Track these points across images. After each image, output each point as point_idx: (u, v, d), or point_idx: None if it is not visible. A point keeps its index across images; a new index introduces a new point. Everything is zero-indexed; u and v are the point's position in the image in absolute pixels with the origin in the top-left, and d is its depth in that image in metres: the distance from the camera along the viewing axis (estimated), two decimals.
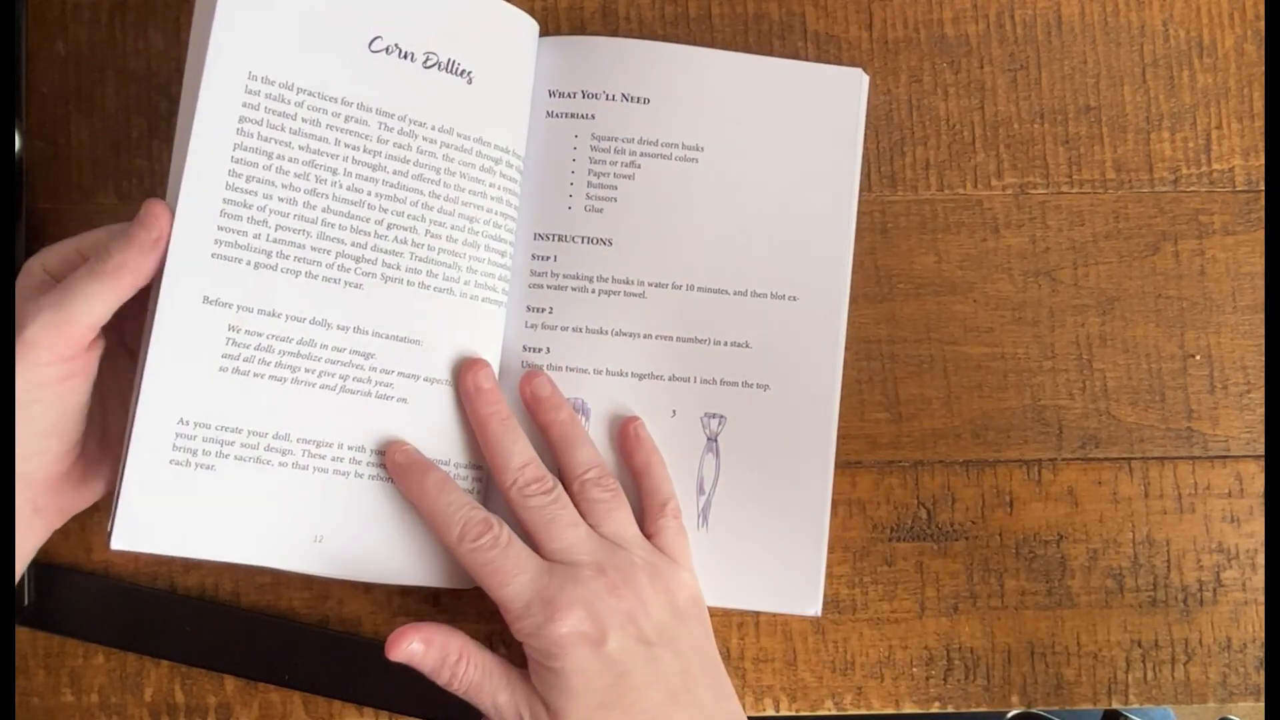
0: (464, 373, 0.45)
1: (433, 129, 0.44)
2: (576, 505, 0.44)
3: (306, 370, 0.42)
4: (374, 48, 0.44)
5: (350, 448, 0.43)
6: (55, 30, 0.49)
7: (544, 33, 0.48)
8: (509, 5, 0.46)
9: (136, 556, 0.47)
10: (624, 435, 0.46)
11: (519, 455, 0.44)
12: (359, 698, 0.47)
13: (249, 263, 0.42)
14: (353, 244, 0.43)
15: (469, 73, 0.45)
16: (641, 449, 0.46)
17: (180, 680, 0.47)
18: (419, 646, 0.41)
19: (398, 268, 0.44)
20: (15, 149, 0.47)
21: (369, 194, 0.43)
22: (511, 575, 0.41)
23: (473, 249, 0.45)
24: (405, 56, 0.44)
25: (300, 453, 0.42)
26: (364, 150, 0.43)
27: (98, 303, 0.40)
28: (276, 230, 0.42)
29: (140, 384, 0.40)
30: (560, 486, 0.44)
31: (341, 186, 0.43)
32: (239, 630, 0.47)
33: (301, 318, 0.42)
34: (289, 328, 0.42)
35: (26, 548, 0.43)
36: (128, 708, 0.47)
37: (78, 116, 0.49)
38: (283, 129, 0.42)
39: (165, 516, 0.41)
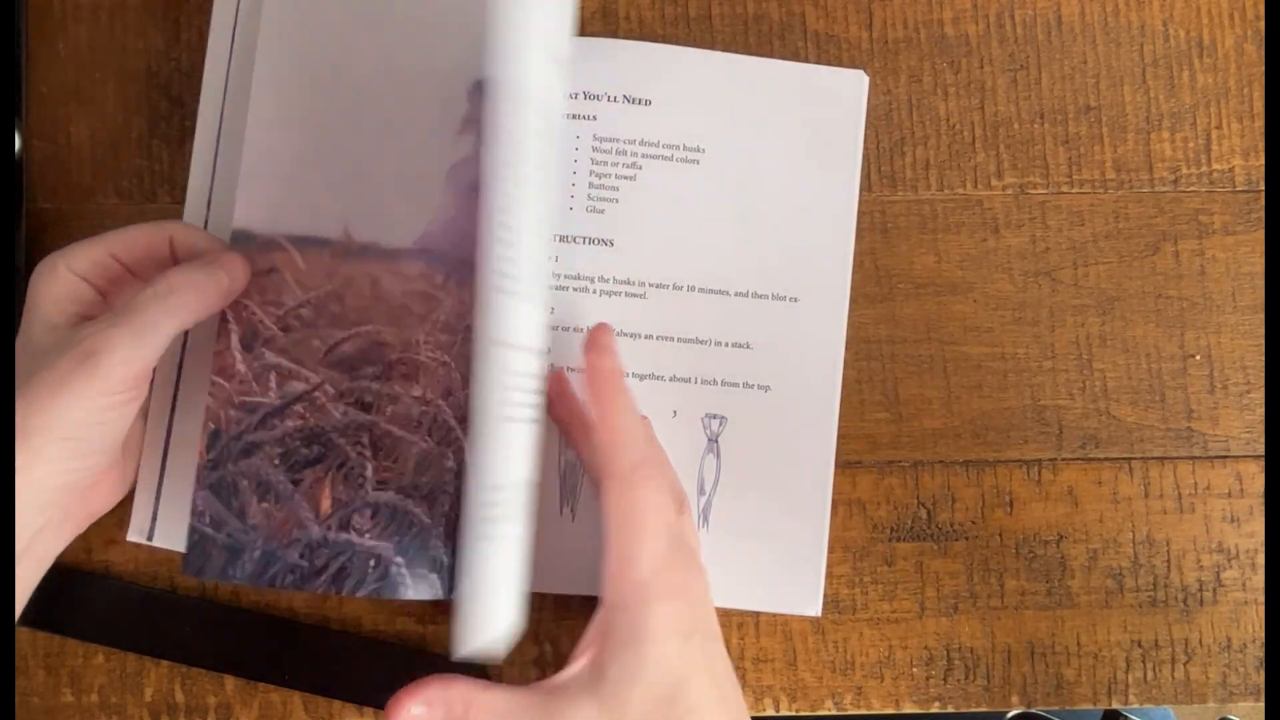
0: (591, 354, 0.42)
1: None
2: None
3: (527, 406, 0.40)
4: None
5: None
6: (55, 30, 0.49)
7: None
8: None
9: (136, 556, 0.47)
10: None
11: (641, 437, 0.41)
12: (359, 698, 0.47)
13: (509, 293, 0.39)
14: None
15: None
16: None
17: (180, 680, 0.47)
18: (420, 710, 0.38)
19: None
20: (15, 149, 0.47)
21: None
22: (653, 534, 0.39)
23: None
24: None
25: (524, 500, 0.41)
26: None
27: (170, 336, 0.40)
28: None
29: (473, 449, 0.37)
30: None
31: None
32: (239, 630, 0.47)
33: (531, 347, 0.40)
34: (528, 360, 0.40)
35: (52, 551, 0.43)
36: (128, 708, 0.47)
37: (78, 116, 0.49)
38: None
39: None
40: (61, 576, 0.46)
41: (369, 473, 0.42)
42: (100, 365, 0.38)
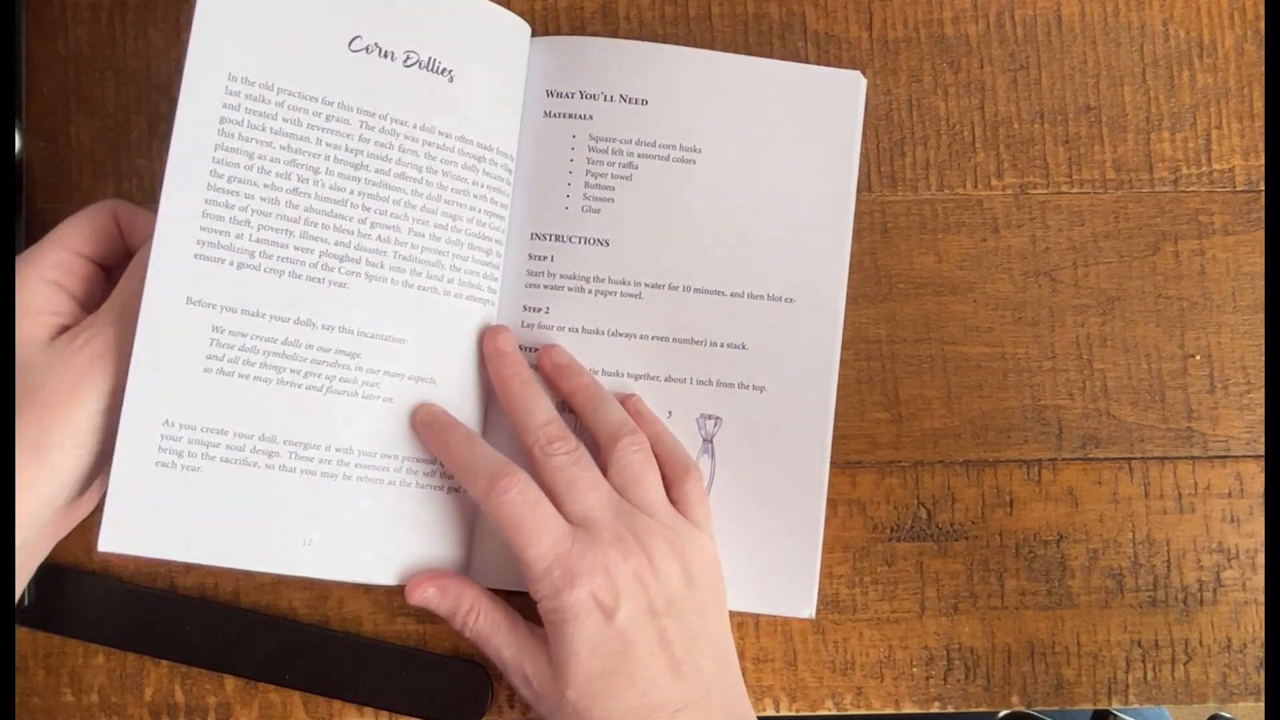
0: (486, 337, 0.45)
1: (414, 127, 0.44)
2: (607, 469, 0.44)
3: (292, 371, 0.43)
4: (354, 47, 0.44)
5: (337, 449, 0.43)
6: (55, 30, 0.49)
7: (544, 32, 0.48)
8: (494, 6, 0.46)
9: (136, 556, 0.47)
10: (628, 411, 0.46)
11: (542, 413, 0.44)
12: (359, 698, 0.47)
13: (232, 263, 0.42)
14: (336, 243, 0.43)
15: (449, 71, 0.45)
16: (647, 422, 0.46)
17: (180, 680, 0.47)
18: (433, 593, 0.43)
19: (381, 266, 0.44)
20: (15, 149, 0.47)
21: (351, 193, 0.43)
22: (537, 535, 0.41)
23: (456, 247, 0.45)
24: (385, 55, 0.44)
25: (287, 454, 0.43)
26: (345, 149, 0.43)
27: None
28: (259, 230, 0.42)
29: (126, 386, 0.41)
30: (583, 447, 0.44)
31: (324, 186, 0.43)
32: (239, 630, 0.47)
33: (285, 318, 0.43)
34: (273, 328, 0.42)
35: (40, 553, 0.44)
36: (128, 708, 0.47)
37: (78, 116, 0.49)
38: (264, 129, 0.42)
39: (153, 519, 0.41)
40: (62, 576, 0.47)
41: None
42: (109, 368, 0.40)
